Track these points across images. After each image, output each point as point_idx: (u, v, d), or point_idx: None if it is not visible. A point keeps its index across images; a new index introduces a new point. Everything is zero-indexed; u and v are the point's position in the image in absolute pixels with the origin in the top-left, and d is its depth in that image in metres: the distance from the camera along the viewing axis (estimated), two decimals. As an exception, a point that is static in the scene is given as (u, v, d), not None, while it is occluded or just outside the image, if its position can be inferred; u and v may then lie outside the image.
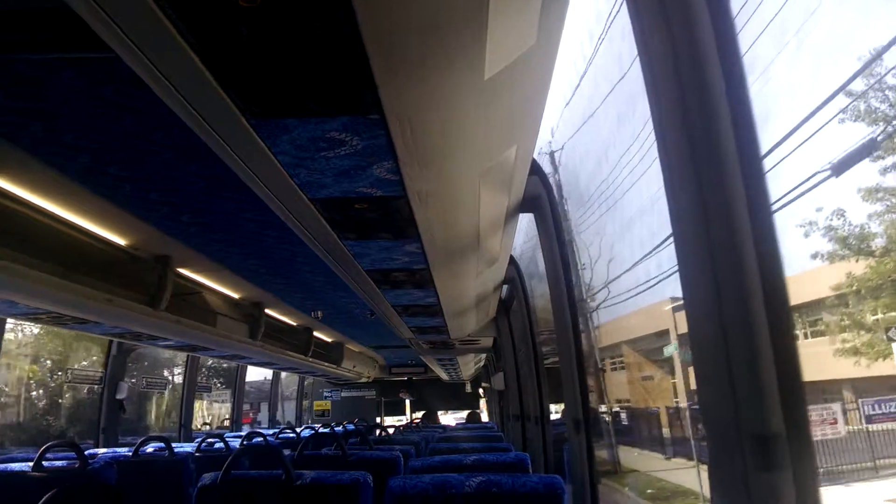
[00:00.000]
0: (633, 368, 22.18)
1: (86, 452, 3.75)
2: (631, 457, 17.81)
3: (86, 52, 2.07)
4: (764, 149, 1.27)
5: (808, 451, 1.16)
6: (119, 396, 6.82)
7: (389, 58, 1.54)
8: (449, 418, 19.33)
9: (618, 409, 21.71)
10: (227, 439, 5.78)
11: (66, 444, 3.96)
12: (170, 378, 20.04)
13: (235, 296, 6.26)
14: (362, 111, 1.80)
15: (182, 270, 5.02)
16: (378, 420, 16.03)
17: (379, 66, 1.56)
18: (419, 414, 17.00)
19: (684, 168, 1.29)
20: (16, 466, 3.51)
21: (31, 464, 3.46)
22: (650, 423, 19.67)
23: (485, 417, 17.03)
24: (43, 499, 1.51)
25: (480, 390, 17.65)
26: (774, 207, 1.27)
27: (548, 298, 3.26)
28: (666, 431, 18.69)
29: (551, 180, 3.14)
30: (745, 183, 1.22)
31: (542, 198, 3.09)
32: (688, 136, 1.27)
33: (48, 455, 3.55)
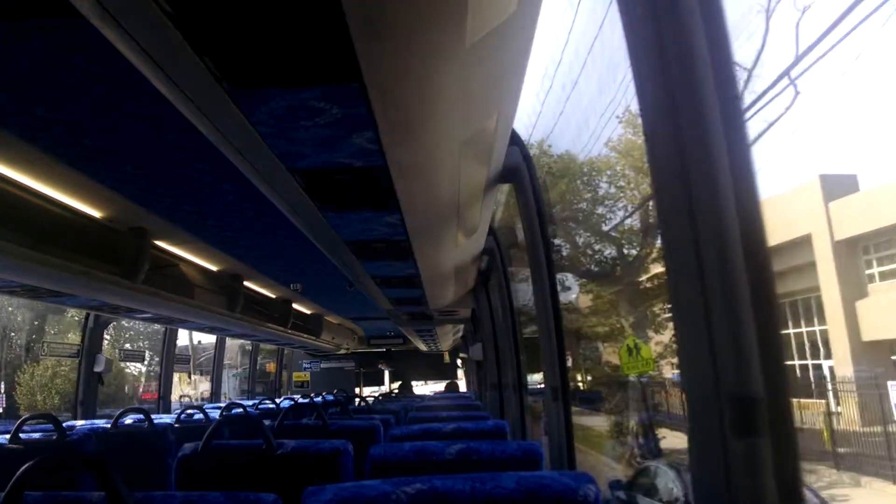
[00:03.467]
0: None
1: (63, 425, 3.73)
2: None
3: (54, 18, 2.02)
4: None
5: (788, 415, 1.18)
6: (97, 369, 6.77)
7: (369, 25, 1.52)
8: (426, 389, 19.44)
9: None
10: (206, 410, 5.78)
11: (43, 416, 3.93)
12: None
13: (214, 268, 6.22)
14: (341, 79, 1.78)
15: (159, 243, 4.98)
16: (357, 391, 16.12)
17: (358, 34, 1.54)
18: (396, 385, 17.15)
19: (666, 123, 1.29)
20: None
21: (7, 436, 3.44)
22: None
23: (462, 387, 17.20)
24: (22, 468, 1.49)
25: (458, 361, 17.80)
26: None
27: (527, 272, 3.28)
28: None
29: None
30: (731, 161, 1.22)
31: (521, 168, 3.09)
32: (670, 98, 1.28)
33: (25, 427, 3.53)
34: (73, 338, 20.45)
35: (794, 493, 1.18)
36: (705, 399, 1.23)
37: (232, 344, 19.85)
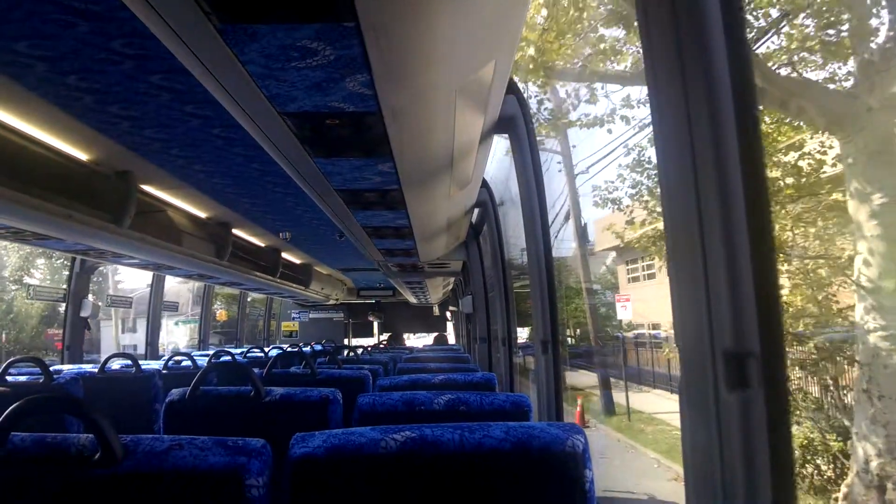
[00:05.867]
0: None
1: (51, 368, 3.72)
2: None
3: None
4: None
5: (781, 370, 1.17)
6: (83, 314, 6.76)
7: (366, -40, 1.45)
8: (415, 342, 19.62)
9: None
10: (194, 357, 5.78)
11: (30, 359, 3.91)
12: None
13: (202, 215, 6.16)
14: (335, 18, 1.71)
15: (146, 187, 4.90)
16: (346, 342, 16.22)
17: (354, -31, 1.47)
18: (386, 336, 17.30)
19: (671, 75, 1.25)
20: None
21: None
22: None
23: (451, 340, 17.34)
24: (10, 408, 1.47)
25: (448, 314, 17.91)
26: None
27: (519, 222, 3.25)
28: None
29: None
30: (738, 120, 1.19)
31: (517, 118, 3.03)
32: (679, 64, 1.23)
33: (11, 370, 3.51)
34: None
35: (785, 445, 1.18)
36: (699, 352, 1.22)
37: (181, 289, 19.57)
